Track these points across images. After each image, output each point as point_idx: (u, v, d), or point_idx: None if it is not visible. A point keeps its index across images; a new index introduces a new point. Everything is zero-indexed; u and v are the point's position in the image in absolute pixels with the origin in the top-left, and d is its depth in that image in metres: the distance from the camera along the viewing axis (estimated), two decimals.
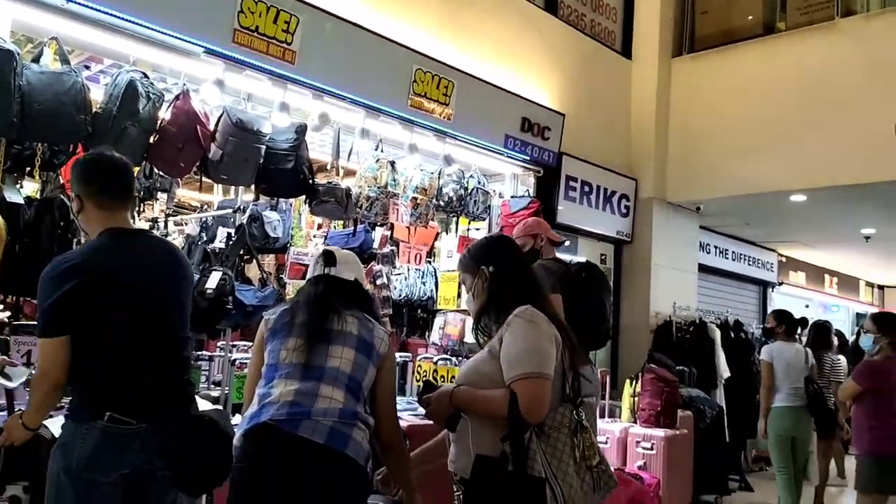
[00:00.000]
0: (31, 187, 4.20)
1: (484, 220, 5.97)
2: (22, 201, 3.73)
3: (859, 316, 14.52)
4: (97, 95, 3.92)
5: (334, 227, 6.07)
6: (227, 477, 2.08)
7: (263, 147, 4.41)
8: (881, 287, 14.99)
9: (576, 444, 2.01)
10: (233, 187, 5.59)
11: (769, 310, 11.03)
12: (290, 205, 5.58)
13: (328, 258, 2.37)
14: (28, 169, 3.93)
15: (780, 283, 11.48)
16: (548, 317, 2.13)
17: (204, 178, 4.69)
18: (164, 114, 4.05)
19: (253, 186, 4.64)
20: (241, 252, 4.86)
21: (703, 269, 9.14)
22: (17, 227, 3.67)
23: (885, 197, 7.51)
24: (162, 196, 5.27)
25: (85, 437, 2.26)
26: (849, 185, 6.99)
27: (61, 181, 4.34)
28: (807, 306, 12.47)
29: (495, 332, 2.17)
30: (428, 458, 2.45)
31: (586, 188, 7.38)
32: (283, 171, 4.54)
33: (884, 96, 6.49)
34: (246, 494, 1.98)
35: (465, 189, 5.81)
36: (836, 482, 7.95)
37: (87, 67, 4.52)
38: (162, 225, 5.43)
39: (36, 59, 3.71)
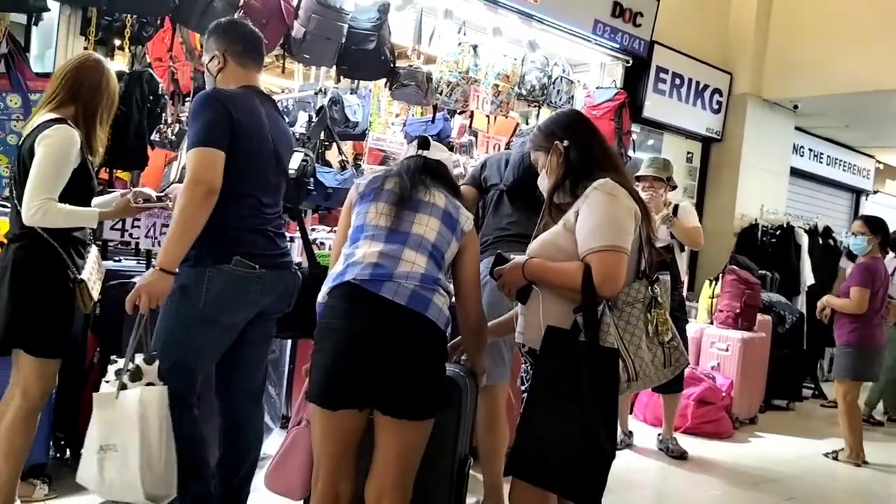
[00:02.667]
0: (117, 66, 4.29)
1: None
2: None
3: None
4: None
5: (413, 114, 6.02)
6: None
7: (346, 26, 4.37)
8: None
9: (649, 320, 1.99)
10: (313, 74, 5.59)
11: None
12: (370, 91, 5.55)
13: (423, 142, 2.40)
14: (118, 43, 4.02)
15: (875, 192, 10.88)
16: (627, 191, 2.08)
17: (286, 63, 4.72)
18: None
19: (334, 68, 4.63)
20: (322, 137, 4.89)
21: (795, 172, 8.72)
22: None
23: None
24: None
25: (211, 280, 2.36)
26: None
27: (148, 59, 4.43)
28: None
29: (569, 209, 2.13)
30: (499, 331, 2.50)
31: (677, 81, 7.04)
32: (365, 52, 4.51)
33: None
34: (329, 349, 2.05)
35: (549, 77, 5.63)
36: None
37: None
38: None
39: None
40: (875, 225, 4.99)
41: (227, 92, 2.48)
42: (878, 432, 6.03)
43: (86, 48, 3.70)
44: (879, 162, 10.79)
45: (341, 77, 4.81)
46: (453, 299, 2.25)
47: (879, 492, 4.64)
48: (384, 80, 4.88)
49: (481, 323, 2.34)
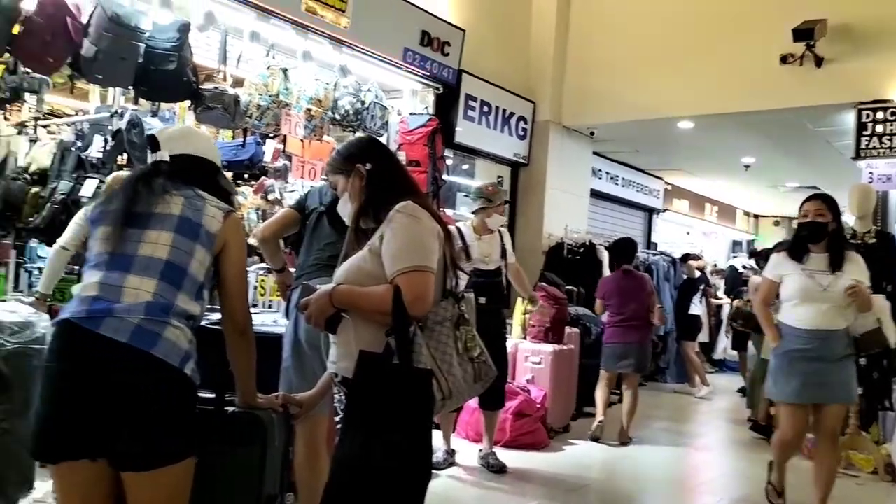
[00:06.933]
0: None
1: (381, 136, 5.86)
2: None
3: (735, 243, 15.41)
4: None
5: (223, 137, 5.81)
6: None
7: (142, 45, 4.15)
8: (756, 216, 15.90)
9: (458, 337, 2.02)
10: (111, 95, 5.25)
11: (654, 235, 11.56)
12: (175, 112, 5.30)
13: (152, 143, 2.17)
14: None
15: (665, 210, 11.99)
16: (429, 213, 2.11)
17: (78, 83, 4.39)
18: (30, 3, 3.73)
19: (132, 89, 4.37)
20: (121, 162, 4.59)
21: (595, 193, 9.40)
22: None
23: (767, 126, 7.89)
24: (31, 99, 4.88)
25: None
26: (733, 112, 7.28)
27: None
28: (688, 233, 13.10)
29: (374, 233, 2.12)
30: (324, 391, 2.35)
31: (485, 108, 7.35)
32: (165, 73, 4.29)
33: (771, 26, 6.70)
34: (44, 395, 1.87)
35: (363, 103, 5.66)
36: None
37: None
38: (31, 130, 5.01)
39: None
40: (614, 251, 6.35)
41: None
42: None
43: None
44: (668, 183, 11.92)
45: (140, 99, 4.55)
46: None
47: (671, 479, 5.07)
48: (188, 102, 4.67)
49: (247, 322, 2.15)
